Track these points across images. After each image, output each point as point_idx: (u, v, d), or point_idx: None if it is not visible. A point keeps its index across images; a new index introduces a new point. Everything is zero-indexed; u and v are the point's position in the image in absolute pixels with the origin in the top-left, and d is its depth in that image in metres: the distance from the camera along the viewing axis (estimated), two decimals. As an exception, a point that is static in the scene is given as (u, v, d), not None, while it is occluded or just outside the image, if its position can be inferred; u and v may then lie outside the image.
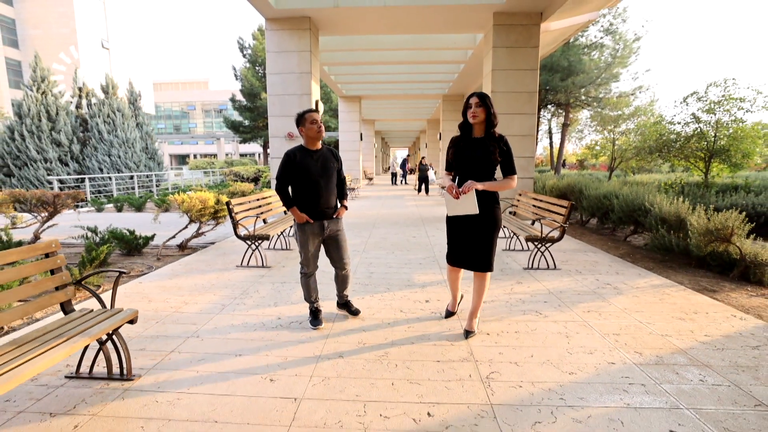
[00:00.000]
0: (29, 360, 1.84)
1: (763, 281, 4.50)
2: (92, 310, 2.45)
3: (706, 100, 9.11)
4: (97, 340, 2.31)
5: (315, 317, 3.27)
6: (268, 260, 5.31)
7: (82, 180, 17.98)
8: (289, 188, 3.16)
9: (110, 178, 18.16)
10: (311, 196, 3.09)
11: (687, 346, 2.88)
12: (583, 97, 19.04)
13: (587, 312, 3.54)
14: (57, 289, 2.39)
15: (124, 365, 2.41)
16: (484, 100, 2.80)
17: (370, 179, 23.51)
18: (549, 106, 21.77)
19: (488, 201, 2.86)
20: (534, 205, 5.83)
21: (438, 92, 18.25)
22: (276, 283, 4.39)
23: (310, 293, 3.27)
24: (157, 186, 19.60)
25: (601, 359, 2.70)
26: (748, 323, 3.30)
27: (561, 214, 4.85)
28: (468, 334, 3.01)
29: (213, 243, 6.65)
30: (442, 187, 2.90)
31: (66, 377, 2.43)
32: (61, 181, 17.18)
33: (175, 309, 3.60)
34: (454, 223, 2.98)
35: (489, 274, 2.98)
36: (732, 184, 9.15)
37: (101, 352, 2.42)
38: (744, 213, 4.90)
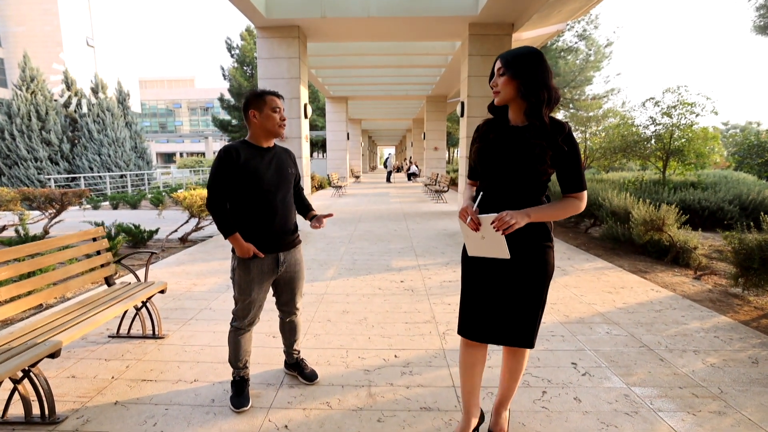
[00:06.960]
0: (88, 318, 2.45)
1: (689, 264, 5.30)
2: (130, 283, 3.07)
3: (662, 105, 10.01)
4: (134, 306, 2.94)
5: (239, 392, 2.22)
6: (264, 250, 5.93)
7: (73, 179, 18.27)
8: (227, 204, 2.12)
9: (101, 177, 18.47)
10: (262, 216, 2.13)
11: (605, 311, 3.62)
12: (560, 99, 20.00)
13: (534, 288, 4.26)
14: (102, 266, 3.00)
15: (156, 327, 3.03)
16: (510, 64, 1.63)
17: (357, 177, 24.14)
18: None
19: (535, 237, 1.69)
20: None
21: (422, 93, 18.96)
22: (272, 268, 5.02)
23: (238, 355, 2.24)
24: (148, 184, 19.94)
25: (536, 320, 3.41)
26: (661, 294, 4.06)
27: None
28: None
29: (211, 236, 7.24)
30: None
31: (109, 337, 3.05)
32: (52, 180, 17.45)
33: (187, 289, 4.22)
34: (475, 268, 1.78)
35: (528, 351, 1.90)
36: (687, 182, 10.05)
37: (137, 317, 3.04)
38: (677, 207, 5.73)
